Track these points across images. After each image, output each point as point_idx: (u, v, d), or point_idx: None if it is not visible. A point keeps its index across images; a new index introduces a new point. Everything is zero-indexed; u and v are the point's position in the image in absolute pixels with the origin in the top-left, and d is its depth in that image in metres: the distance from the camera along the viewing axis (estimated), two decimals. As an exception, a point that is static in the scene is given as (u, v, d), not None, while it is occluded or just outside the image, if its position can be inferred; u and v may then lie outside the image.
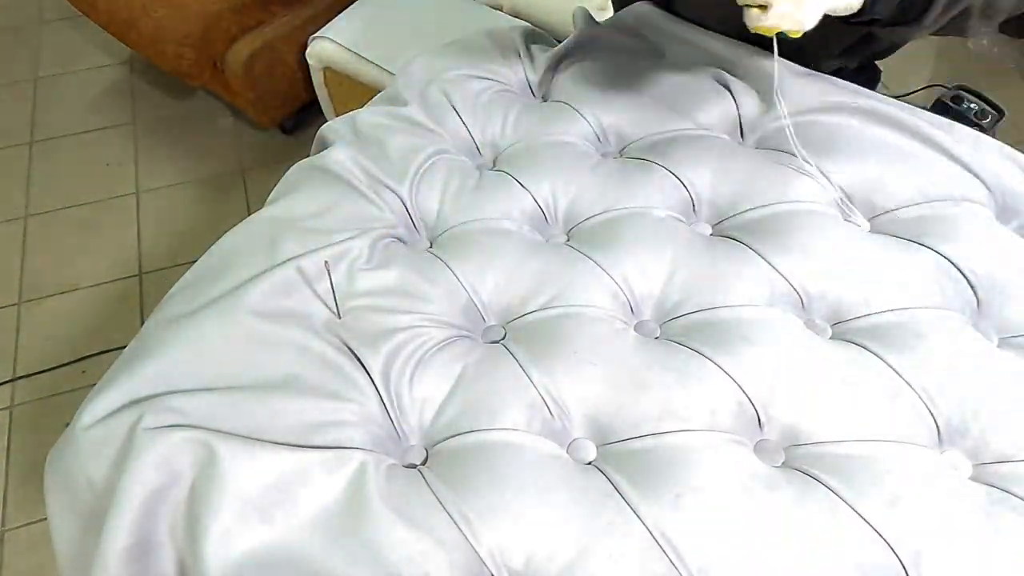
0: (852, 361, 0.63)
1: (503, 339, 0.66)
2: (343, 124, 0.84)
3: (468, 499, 0.54)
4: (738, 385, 0.61)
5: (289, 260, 0.67)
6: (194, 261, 0.71)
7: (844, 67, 0.90)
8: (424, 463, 0.58)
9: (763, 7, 0.62)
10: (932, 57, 2.04)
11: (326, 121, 0.88)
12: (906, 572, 0.51)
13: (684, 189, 0.77)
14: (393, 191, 0.77)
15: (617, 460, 0.58)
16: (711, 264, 0.70)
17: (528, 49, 0.95)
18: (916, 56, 2.03)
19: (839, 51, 0.88)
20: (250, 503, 0.53)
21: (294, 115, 1.88)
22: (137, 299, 1.62)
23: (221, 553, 0.52)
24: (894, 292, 0.68)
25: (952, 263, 0.69)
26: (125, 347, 0.64)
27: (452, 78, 0.88)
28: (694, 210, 0.77)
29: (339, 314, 0.66)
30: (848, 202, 0.76)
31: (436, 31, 1.34)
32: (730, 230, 0.75)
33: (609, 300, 0.68)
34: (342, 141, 0.81)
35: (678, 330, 0.66)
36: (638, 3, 0.92)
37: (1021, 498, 0.55)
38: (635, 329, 0.67)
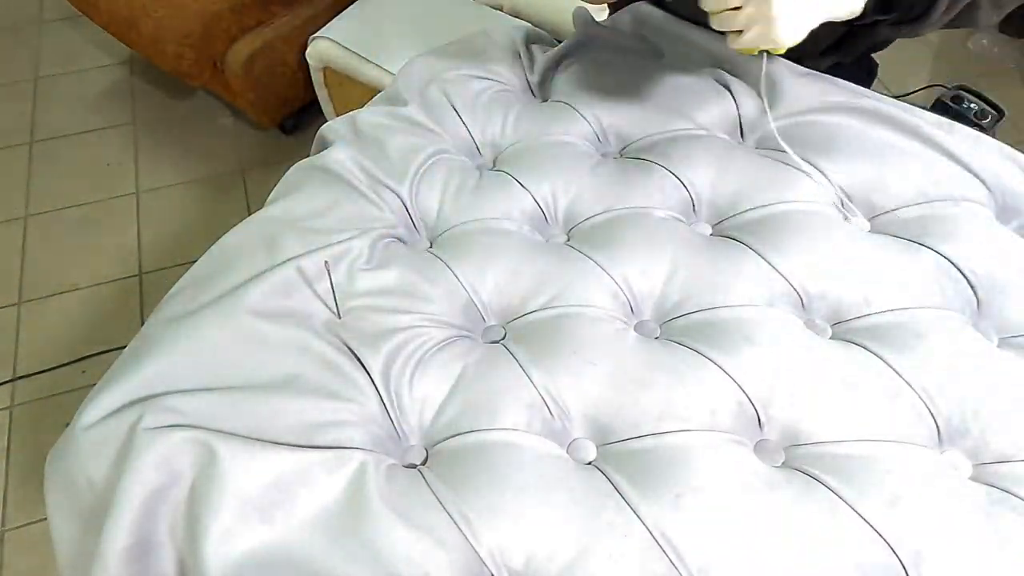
0: (852, 361, 0.63)
1: (503, 339, 0.66)
2: (343, 124, 0.84)
3: (468, 499, 0.54)
4: (738, 385, 0.61)
5: (289, 260, 0.67)
6: (194, 261, 0.71)
7: (840, 62, 0.90)
8: (424, 463, 0.58)
9: (738, 32, 0.62)
10: (932, 57, 2.04)
11: (326, 121, 0.89)
12: (906, 572, 0.51)
13: (684, 189, 0.77)
14: (393, 191, 0.77)
15: (617, 460, 0.58)
16: (711, 264, 0.70)
17: (528, 49, 0.95)
18: (916, 56, 2.03)
19: (825, 47, 0.88)
20: (250, 503, 0.53)
21: (294, 115, 1.88)
22: (137, 299, 1.62)
23: (221, 553, 0.52)
24: (894, 292, 0.68)
25: (952, 263, 0.69)
26: (125, 347, 0.64)
27: (452, 78, 0.88)
28: (694, 210, 0.77)
29: (339, 314, 0.66)
30: (848, 202, 0.76)
31: (436, 31, 1.34)
32: (730, 230, 0.75)
33: (609, 300, 0.68)
34: (342, 141, 0.81)
35: (678, 330, 0.66)
36: (637, 3, 0.92)
37: (1021, 498, 0.55)
38: (635, 329, 0.67)
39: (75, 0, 1.79)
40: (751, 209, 0.75)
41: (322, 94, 1.58)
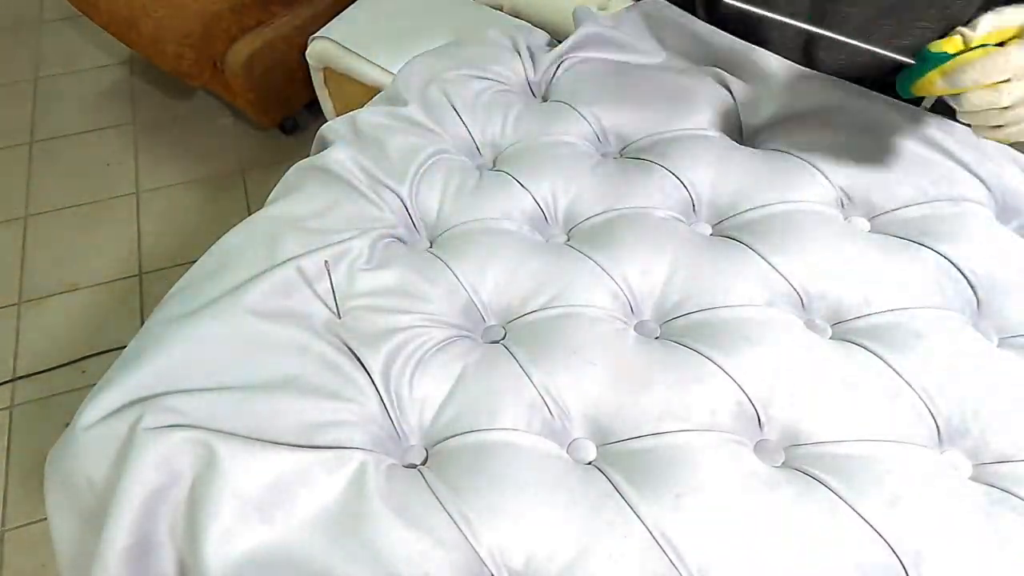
0: (852, 361, 0.63)
1: (503, 339, 0.66)
2: (343, 124, 0.84)
3: (468, 499, 0.54)
4: (738, 385, 0.61)
5: (289, 260, 0.67)
6: (194, 261, 0.71)
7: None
8: (424, 463, 0.59)
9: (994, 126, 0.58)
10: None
11: (326, 121, 0.88)
12: (906, 572, 0.51)
13: (684, 189, 0.77)
14: (393, 191, 0.77)
15: (617, 460, 0.58)
16: (711, 264, 0.70)
17: (528, 49, 0.95)
18: (916, 56, 2.03)
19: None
20: (250, 503, 0.53)
21: (294, 115, 1.89)
22: (137, 299, 1.63)
23: (221, 553, 0.52)
24: (894, 292, 0.68)
25: (952, 263, 0.69)
26: (125, 347, 0.64)
27: (452, 78, 0.88)
28: (694, 210, 0.77)
29: (339, 314, 0.66)
30: (847, 202, 0.76)
31: (436, 31, 1.34)
32: (730, 230, 0.75)
33: (609, 300, 0.68)
34: (342, 141, 0.81)
35: (678, 330, 0.66)
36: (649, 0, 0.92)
37: (1021, 498, 0.55)
38: (635, 329, 0.67)
39: (75, 0, 1.79)
40: (751, 209, 0.75)
41: (322, 94, 1.58)
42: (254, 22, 1.67)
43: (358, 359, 0.62)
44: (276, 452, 0.55)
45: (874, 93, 0.83)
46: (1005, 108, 0.55)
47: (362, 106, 0.88)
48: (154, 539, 0.54)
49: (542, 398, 0.60)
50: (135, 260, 1.69)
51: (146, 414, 0.56)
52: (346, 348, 0.63)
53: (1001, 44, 0.54)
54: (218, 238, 0.72)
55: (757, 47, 0.86)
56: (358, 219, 0.74)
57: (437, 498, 0.54)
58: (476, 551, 0.52)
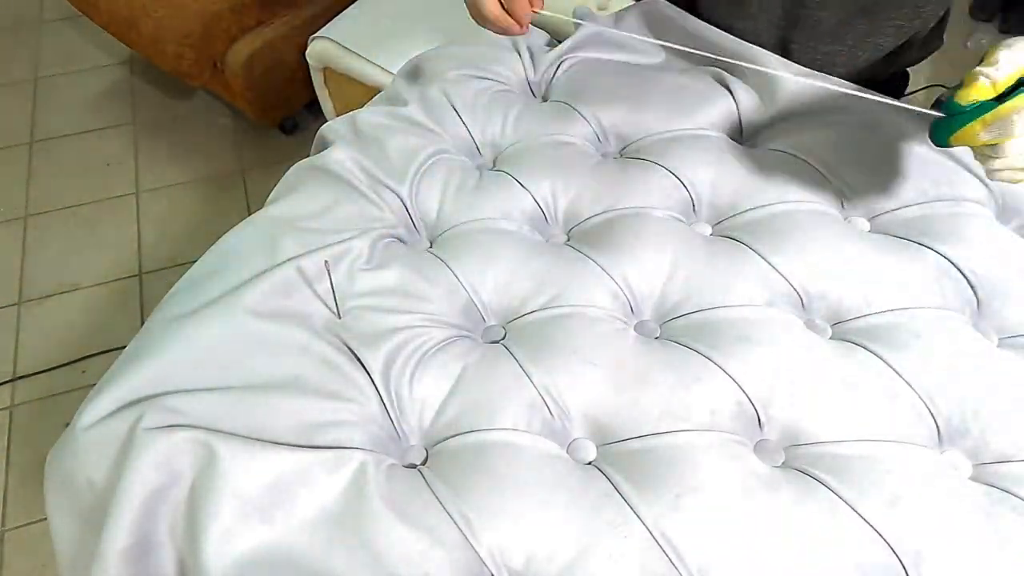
0: (852, 361, 0.63)
1: (503, 339, 0.66)
2: (343, 124, 0.84)
3: (468, 499, 0.54)
4: (738, 385, 0.61)
5: (289, 260, 0.67)
6: (194, 261, 0.71)
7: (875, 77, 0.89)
8: (424, 463, 0.59)
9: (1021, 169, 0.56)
10: (932, 57, 2.04)
11: (326, 121, 0.88)
12: (906, 572, 0.51)
13: (684, 189, 0.77)
14: (393, 191, 0.77)
15: (617, 460, 0.58)
16: (711, 264, 0.70)
17: (528, 49, 0.95)
18: (916, 56, 2.03)
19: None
20: (250, 503, 0.53)
21: (294, 115, 1.89)
22: (137, 299, 1.62)
23: (221, 553, 0.52)
24: (894, 292, 0.68)
25: (952, 263, 0.69)
26: (125, 347, 0.64)
27: (452, 78, 0.88)
28: (694, 210, 0.77)
29: (339, 314, 0.66)
30: (847, 202, 0.76)
31: (436, 31, 1.34)
32: (730, 230, 0.75)
33: (609, 300, 0.68)
34: (342, 141, 0.81)
35: (678, 330, 0.66)
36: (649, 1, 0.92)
37: (1021, 498, 0.55)
38: (635, 329, 0.67)
39: (75, 0, 1.79)
40: (751, 209, 0.75)
41: (322, 94, 1.58)
42: (254, 22, 1.67)
43: (358, 359, 0.62)
44: (276, 452, 0.55)
45: (874, 93, 0.83)
46: None
47: (362, 106, 0.89)
48: (154, 539, 0.54)
49: (542, 398, 0.60)
50: (135, 260, 1.69)
51: (146, 414, 0.56)
52: (346, 348, 0.63)
53: (1019, 88, 0.53)
54: (218, 238, 0.72)
55: (756, 46, 0.86)
56: (358, 219, 0.74)
57: (437, 498, 0.54)
58: (476, 551, 0.52)
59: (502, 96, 0.89)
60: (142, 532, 0.54)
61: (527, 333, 0.66)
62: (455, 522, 0.53)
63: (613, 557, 0.51)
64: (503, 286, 0.70)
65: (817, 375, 0.62)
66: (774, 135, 0.83)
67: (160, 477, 0.54)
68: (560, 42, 0.95)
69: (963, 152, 0.77)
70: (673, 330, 0.67)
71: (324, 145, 0.83)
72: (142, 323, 0.67)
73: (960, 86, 0.55)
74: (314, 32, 1.46)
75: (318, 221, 0.73)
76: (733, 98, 0.85)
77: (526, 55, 0.94)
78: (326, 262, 0.65)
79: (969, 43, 2.04)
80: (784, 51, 0.87)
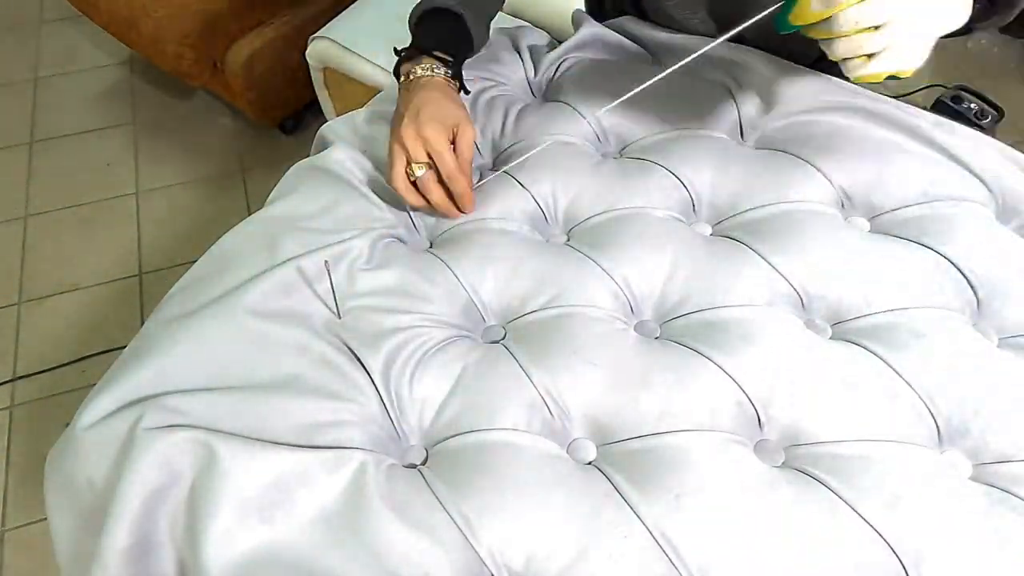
0: (852, 361, 0.63)
1: (503, 339, 0.66)
2: (343, 124, 0.84)
3: (468, 499, 0.54)
4: (738, 385, 0.61)
5: (289, 260, 0.67)
6: (194, 261, 0.71)
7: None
8: (424, 463, 0.59)
9: (868, 55, 0.55)
10: (932, 57, 2.03)
11: (326, 121, 0.88)
12: (906, 572, 0.51)
13: (684, 189, 0.77)
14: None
15: (617, 460, 0.58)
16: (711, 264, 0.70)
17: (528, 49, 0.95)
18: (916, 56, 2.03)
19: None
20: (250, 503, 0.53)
21: (294, 115, 1.89)
22: (137, 299, 1.63)
23: (221, 553, 0.52)
24: (894, 292, 0.68)
25: (952, 263, 0.69)
26: (125, 347, 0.64)
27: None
28: (694, 210, 0.77)
29: (339, 314, 0.66)
30: (847, 202, 0.76)
31: (436, 31, 1.34)
32: (730, 230, 0.75)
33: (609, 300, 0.68)
34: (342, 141, 0.81)
35: (678, 330, 0.66)
36: (622, 19, 0.92)
37: (1021, 498, 0.55)
38: (635, 329, 0.67)
39: (75, 0, 1.79)
40: (751, 209, 0.75)
41: (322, 94, 1.58)
42: (254, 22, 1.67)
43: (358, 359, 0.62)
44: (276, 452, 0.55)
45: (875, 93, 0.83)
46: (877, 28, 0.53)
47: (362, 106, 0.89)
48: (154, 539, 0.54)
49: (542, 398, 0.60)
50: (135, 260, 1.69)
51: (146, 414, 0.56)
52: (346, 348, 0.63)
53: None
54: (218, 238, 0.72)
55: (755, 49, 0.86)
56: (358, 219, 0.74)
57: (437, 498, 0.54)
58: (476, 551, 0.52)
59: (502, 96, 0.89)
60: (142, 532, 0.54)
61: (527, 333, 0.66)
62: (455, 522, 0.53)
63: (613, 557, 0.51)
64: (503, 286, 0.70)
65: (817, 375, 0.62)
66: (774, 135, 0.83)
67: (160, 477, 0.54)
68: (560, 43, 0.95)
69: (963, 152, 0.77)
70: (673, 330, 0.67)
71: (324, 145, 0.83)
72: (142, 323, 0.67)
73: None
74: (314, 32, 1.46)
75: (318, 221, 0.73)
76: (733, 98, 0.85)
77: (527, 55, 0.94)
78: (326, 262, 0.65)
79: (969, 43, 2.04)
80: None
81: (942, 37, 0.58)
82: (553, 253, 0.72)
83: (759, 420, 0.60)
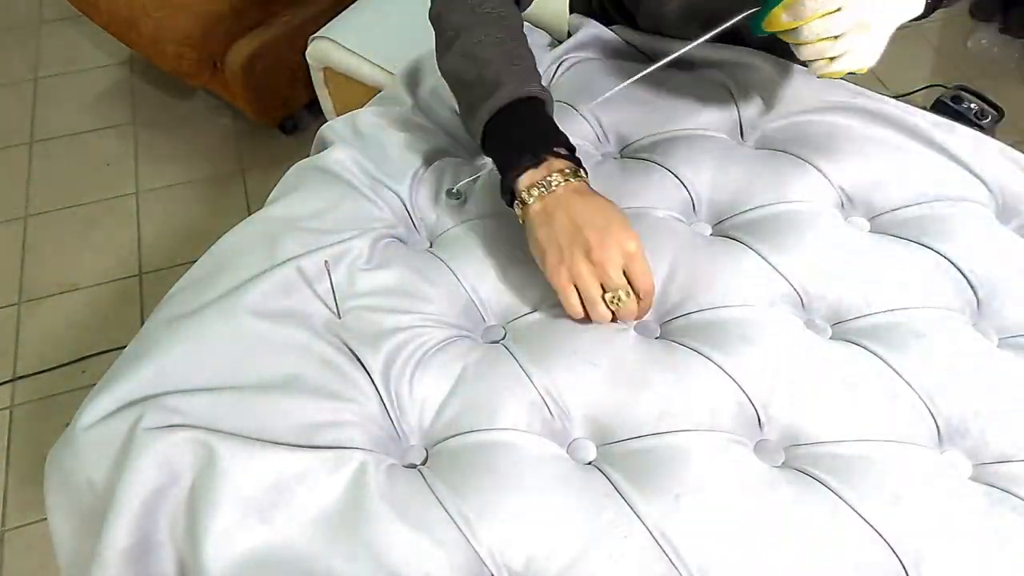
0: (852, 361, 0.63)
1: (503, 339, 0.66)
2: (343, 124, 0.84)
3: (468, 499, 0.54)
4: (738, 385, 0.61)
5: (289, 260, 0.67)
6: (194, 261, 0.71)
7: None
8: (424, 463, 0.59)
9: (830, 58, 0.62)
10: (932, 57, 2.04)
11: (326, 121, 0.88)
12: (906, 572, 0.51)
13: (684, 189, 0.77)
14: (393, 191, 0.77)
15: (617, 460, 0.58)
16: (711, 264, 0.70)
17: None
18: (916, 56, 2.03)
19: None
20: (250, 503, 0.53)
21: (294, 115, 1.88)
22: (137, 299, 1.62)
23: (221, 553, 0.52)
24: (894, 292, 0.68)
25: (952, 263, 0.69)
26: (125, 347, 0.64)
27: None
28: (694, 210, 0.77)
29: (339, 314, 0.66)
30: (847, 202, 0.76)
31: (436, 31, 1.34)
32: (730, 230, 0.75)
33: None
34: (342, 141, 0.81)
35: (678, 330, 0.66)
36: (616, 26, 0.92)
37: (1021, 498, 0.55)
38: (635, 329, 0.67)
39: (75, 0, 1.79)
40: (751, 209, 0.75)
41: (322, 94, 1.58)
42: (254, 22, 1.67)
43: (358, 359, 0.62)
44: (276, 452, 0.55)
45: (873, 93, 0.83)
46: (837, 38, 0.60)
47: (362, 106, 0.89)
48: (154, 539, 0.54)
49: (542, 398, 0.60)
50: (135, 260, 1.69)
51: (146, 414, 0.56)
52: (346, 348, 0.63)
53: None
54: (218, 238, 0.72)
55: (755, 50, 0.86)
56: (358, 219, 0.74)
57: (437, 498, 0.54)
58: (476, 551, 0.52)
59: (502, 96, 0.89)
60: (142, 532, 0.54)
61: (527, 333, 0.66)
62: (455, 522, 0.53)
63: (613, 557, 0.51)
64: (503, 286, 0.70)
65: (817, 375, 0.62)
66: (774, 135, 0.83)
67: (160, 477, 0.54)
68: (560, 42, 0.95)
69: (963, 152, 0.77)
70: (673, 330, 0.67)
71: (324, 145, 0.83)
72: (142, 323, 0.67)
73: None
74: (314, 32, 1.46)
75: (318, 221, 0.73)
76: (733, 98, 0.85)
77: (526, 55, 0.94)
78: (326, 262, 0.65)
79: (969, 43, 2.04)
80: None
81: (907, 25, 0.64)
82: (553, 253, 0.72)
83: (759, 420, 0.60)
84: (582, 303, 0.63)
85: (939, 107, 1.71)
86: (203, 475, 0.54)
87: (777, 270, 0.69)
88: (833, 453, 0.57)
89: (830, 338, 0.67)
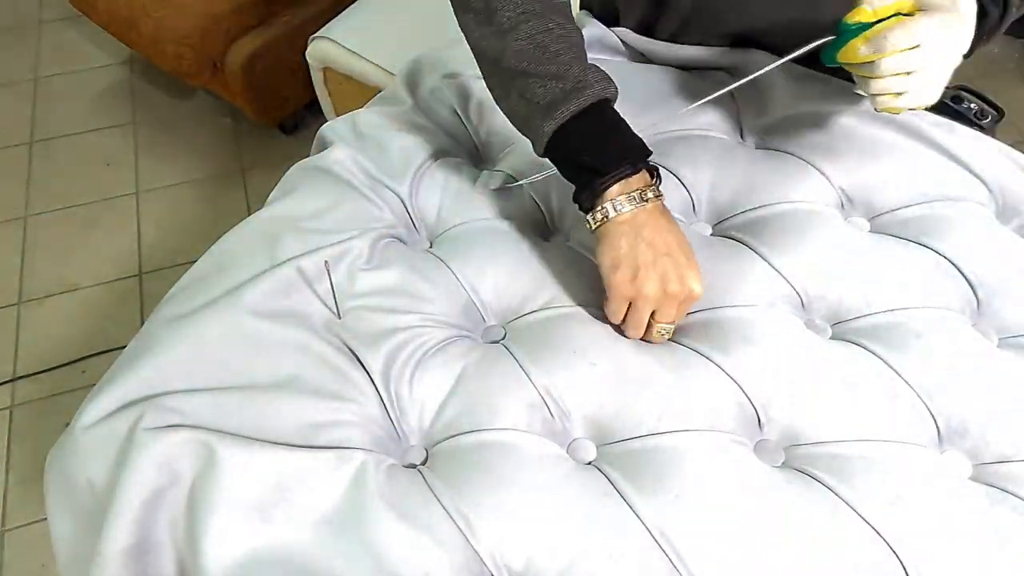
0: (852, 361, 0.63)
1: (503, 339, 0.66)
2: (343, 124, 0.84)
3: (468, 499, 0.54)
4: (738, 385, 0.61)
5: (289, 260, 0.67)
6: (194, 261, 0.71)
7: None
8: (424, 463, 0.59)
9: (896, 94, 0.62)
10: (932, 57, 2.03)
11: (326, 121, 0.88)
12: (906, 572, 0.51)
13: (684, 189, 0.77)
14: (393, 191, 0.77)
15: (617, 460, 0.58)
16: (711, 264, 0.70)
17: (528, 49, 0.94)
18: (916, 56, 2.03)
19: None
20: (250, 503, 0.53)
21: (294, 115, 1.89)
22: (137, 299, 1.63)
23: (221, 553, 0.52)
24: (894, 292, 0.68)
25: (952, 263, 0.69)
26: (125, 347, 0.64)
27: (452, 78, 0.88)
28: (694, 210, 0.77)
29: (339, 314, 0.66)
30: (847, 202, 0.76)
31: (436, 31, 1.34)
32: (730, 230, 0.75)
33: (609, 300, 0.68)
34: (342, 141, 0.81)
35: (678, 330, 0.66)
36: (619, 28, 0.91)
37: (1021, 498, 0.55)
38: (635, 329, 0.67)
39: (75, 0, 1.79)
40: (751, 209, 0.75)
41: (322, 94, 1.58)
42: (254, 22, 1.67)
43: (358, 359, 0.62)
44: (276, 452, 0.55)
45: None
46: (908, 74, 0.60)
47: (362, 106, 0.89)
48: (154, 539, 0.54)
49: (542, 398, 0.60)
50: (135, 260, 1.69)
51: (146, 414, 0.56)
52: (346, 348, 0.63)
53: (896, 15, 0.60)
54: (218, 238, 0.72)
55: (756, 50, 0.86)
56: (358, 219, 0.74)
57: (437, 498, 0.54)
58: (476, 551, 0.52)
59: (502, 96, 0.89)
60: (142, 532, 0.54)
61: (527, 333, 0.66)
62: (455, 522, 0.53)
63: (613, 557, 0.51)
64: (503, 286, 0.70)
65: (817, 375, 0.62)
66: (774, 135, 0.83)
67: (160, 477, 0.54)
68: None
69: (963, 152, 0.77)
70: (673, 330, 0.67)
71: (324, 145, 0.83)
72: (142, 323, 0.67)
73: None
74: (314, 32, 1.46)
75: (318, 221, 0.73)
76: (733, 98, 0.85)
77: (526, 55, 0.93)
78: (326, 262, 0.65)
79: (969, 43, 2.03)
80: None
81: None
82: (553, 253, 0.72)
83: (759, 420, 0.60)
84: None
85: (939, 107, 1.70)
86: (203, 475, 0.54)
87: (777, 270, 0.69)
88: (833, 453, 0.57)
89: (830, 338, 0.67)
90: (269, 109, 1.79)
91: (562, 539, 0.52)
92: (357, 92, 1.41)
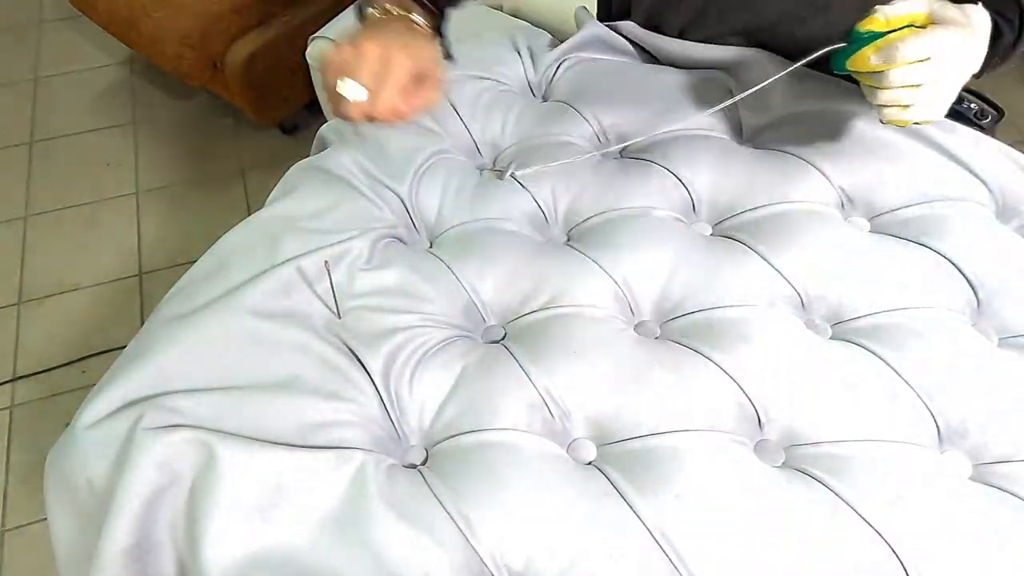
0: (852, 361, 0.63)
1: (503, 339, 0.66)
2: (343, 124, 0.84)
3: (468, 499, 0.54)
4: (738, 385, 0.61)
5: (289, 260, 0.67)
6: (194, 261, 0.71)
7: None
8: (424, 463, 0.59)
9: (904, 106, 0.61)
10: (932, 57, 2.03)
11: (326, 121, 0.88)
12: (906, 572, 0.51)
13: (684, 189, 0.77)
14: (393, 191, 0.77)
15: (617, 460, 0.58)
16: (711, 264, 0.70)
17: (528, 49, 0.95)
18: (916, 56, 2.03)
19: None
20: (250, 503, 0.53)
21: (294, 115, 1.88)
22: (137, 299, 1.62)
23: (221, 553, 0.52)
24: (894, 292, 0.68)
25: (952, 263, 0.69)
26: (125, 347, 0.64)
27: (452, 78, 0.88)
28: (694, 210, 0.77)
29: (339, 314, 0.66)
30: (847, 202, 0.76)
31: (436, 31, 1.34)
32: (730, 230, 0.75)
33: (609, 300, 0.68)
34: (342, 141, 0.81)
35: (678, 330, 0.66)
36: (624, 22, 0.92)
37: (1021, 498, 0.55)
38: (635, 329, 0.67)
39: (75, 0, 1.79)
40: (751, 209, 0.75)
41: (322, 94, 1.58)
42: (254, 22, 1.67)
43: (358, 359, 0.62)
44: (276, 452, 0.55)
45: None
46: (916, 87, 0.59)
47: (362, 106, 0.88)
48: (154, 539, 0.54)
49: (542, 398, 0.60)
50: (135, 260, 1.69)
51: (146, 414, 0.56)
52: (346, 348, 0.63)
53: (909, 26, 0.60)
54: (218, 238, 0.72)
55: (756, 49, 0.86)
56: (358, 219, 0.74)
57: (437, 498, 0.54)
58: (476, 551, 0.52)
59: (503, 96, 0.89)
60: (142, 532, 0.54)
61: (527, 333, 0.66)
62: (455, 522, 0.53)
63: (613, 557, 0.51)
64: (503, 286, 0.70)
65: (817, 375, 0.62)
66: (774, 135, 0.83)
67: (160, 477, 0.54)
68: (560, 42, 0.95)
69: (963, 152, 0.77)
70: (673, 330, 0.67)
71: (324, 145, 0.83)
72: (142, 323, 0.67)
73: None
74: (314, 32, 1.46)
75: (318, 221, 0.73)
76: (733, 97, 0.85)
77: (527, 55, 0.94)
78: (326, 262, 0.65)
79: (969, 43, 2.03)
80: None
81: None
82: (553, 253, 0.72)
83: (759, 420, 0.60)
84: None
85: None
86: (203, 475, 0.54)
87: (777, 270, 0.69)
88: (833, 453, 0.57)
89: (830, 338, 0.67)
90: (269, 109, 1.79)
91: (562, 539, 0.52)
92: (357, 92, 1.40)
